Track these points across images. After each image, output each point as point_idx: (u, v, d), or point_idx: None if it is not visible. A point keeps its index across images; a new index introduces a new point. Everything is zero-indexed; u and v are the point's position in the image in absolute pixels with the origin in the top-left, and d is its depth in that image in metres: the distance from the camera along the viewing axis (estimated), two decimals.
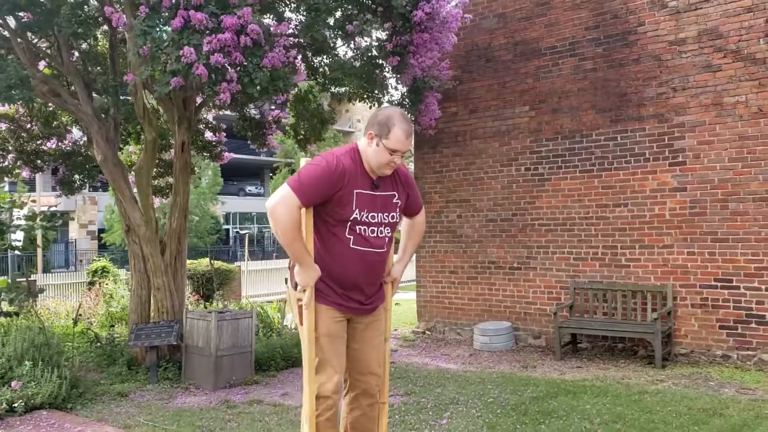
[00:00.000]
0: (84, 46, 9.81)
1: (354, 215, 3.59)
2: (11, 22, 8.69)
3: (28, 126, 11.92)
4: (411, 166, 12.43)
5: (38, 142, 12.13)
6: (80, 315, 11.52)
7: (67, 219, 37.54)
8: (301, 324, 3.62)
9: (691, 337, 8.97)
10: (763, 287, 8.43)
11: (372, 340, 3.83)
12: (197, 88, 6.56)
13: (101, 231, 41.40)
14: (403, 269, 4.02)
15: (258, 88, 6.52)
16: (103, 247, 40.69)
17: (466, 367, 9.08)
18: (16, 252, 17.17)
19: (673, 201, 9.10)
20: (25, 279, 9.90)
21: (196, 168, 13.76)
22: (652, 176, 9.26)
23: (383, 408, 3.92)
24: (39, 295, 12.75)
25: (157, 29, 6.29)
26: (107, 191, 31.70)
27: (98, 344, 9.26)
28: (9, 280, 9.02)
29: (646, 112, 9.31)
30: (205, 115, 12.58)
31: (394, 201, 3.75)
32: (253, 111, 11.84)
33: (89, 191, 35.76)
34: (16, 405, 6.60)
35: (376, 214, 3.67)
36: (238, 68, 6.43)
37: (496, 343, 10.06)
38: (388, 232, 3.74)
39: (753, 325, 8.51)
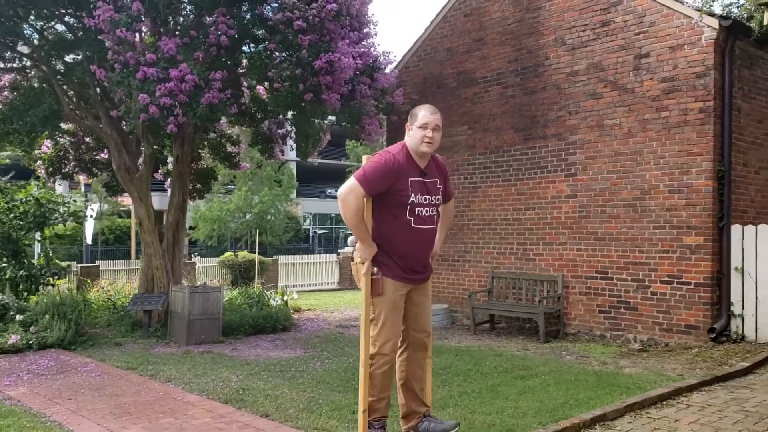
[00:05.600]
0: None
1: (411, 199, 4.25)
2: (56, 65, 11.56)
3: (87, 139, 14.88)
4: None
5: (93, 153, 15.06)
6: (102, 287, 14.39)
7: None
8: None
9: (578, 320, 10.77)
10: (630, 279, 10.16)
11: (424, 303, 4.49)
12: (156, 120, 9.07)
13: (191, 228, 45.25)
14: (441, 245, 4.74)
15: (200, 118, 8.99)
16: (192, 243, 44.38)
17: None
18: (88, 241, 20.62)
19: (567, 206, 10.92)
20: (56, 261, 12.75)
21: (219, 175, 16.34)
22: (552, 185, 11.11)
23: (430, 362, 4.65)
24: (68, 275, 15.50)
25: (127, 81, 8.85)
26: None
27: (114, 310, 12.02)
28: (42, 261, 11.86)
29: (549, 132, 11.17)
30: (228, 131, 15.22)
31: (437, 186, 4.43)
32: (264, 127, 14.36)
33: None
34: (32, 343, 9.37)
35: (427, 197, 4.33)
36: (184, 105, 8.91)
37: (434, 322, 11.94)
38: (434, 212, 4.41)
39: (622, 310, 10.25)
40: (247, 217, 37.33)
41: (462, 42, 12.56)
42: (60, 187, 39.27)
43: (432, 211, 4.39)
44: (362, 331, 4.37)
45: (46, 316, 9.95)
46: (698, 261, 9.43)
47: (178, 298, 10.86)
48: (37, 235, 12.79)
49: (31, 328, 9.58)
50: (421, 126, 4.25)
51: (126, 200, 30.43)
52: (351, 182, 4.20)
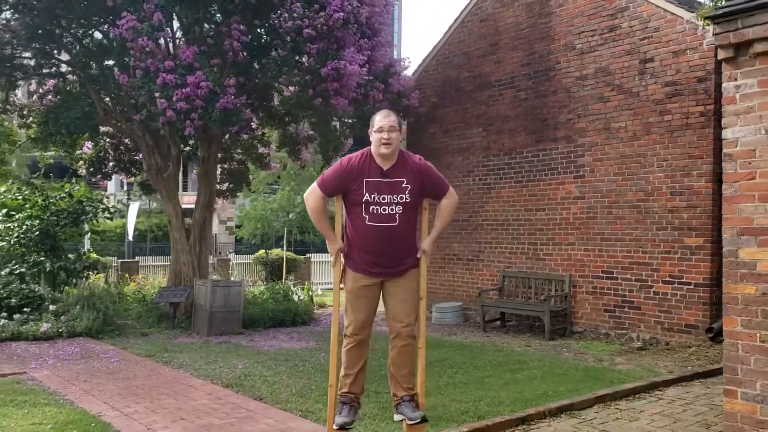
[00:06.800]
0: None
1: (366, 198, 4.44)
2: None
3: (125, 141, 15.66)
4: None
5: (132, 154, 15.84)
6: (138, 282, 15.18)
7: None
8: None
9: (585, 318, 11.01)
10: (633, 278, 10.37)
11: (399, 296, 4.64)
12: (173, 123, 9.66)
13: (237, 227, 46.37)
14: (431, 243, 4.77)
15: (216, 122, 9.56)
16: (238, 242, 45.42)
17: None
18: (129, 238, 21.56)
19: (575, 207, 11.17)
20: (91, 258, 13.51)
21: (252, 175, 16.95)
22: (562, 186, 11.37)
23: (420, 352, 4.71)
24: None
25: (147, 86, 9.48)
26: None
27: (144, 303, 12.73)
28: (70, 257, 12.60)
29: (559, 135, 11.43)
30: (260, 133, 15.81)
31: (403, 185, 4.52)
32: (290, 130, 14.93)
33: None
34: (62, 331, 10.09)
35: (385, 196, 4.46)
36: (200, 110, 9.48)
37: (447, 319, 12.52)
38: (399, 210, 4.49)
39: (626, 309, 10.47)
40: (290, 216, 38.11)
41: (478, 46, 12.90)
42: (111, 186, 40.79)
43: (393, 210, 4.50)
44: (334, 314, 4.81)
45: (77, 306, 10.68)
46: (698, 262, 9.60)
47: (201, 292, 11.48)
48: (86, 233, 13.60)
49: (62, 318, 10.30)
50: (377, 130, 4.50)
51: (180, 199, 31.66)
52: (312, 185, 4.57)
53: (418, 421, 4.59)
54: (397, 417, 4.76)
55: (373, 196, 4.48)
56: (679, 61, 9.84)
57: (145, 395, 6.84)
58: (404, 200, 4.52)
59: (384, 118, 4.57)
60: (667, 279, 9.93)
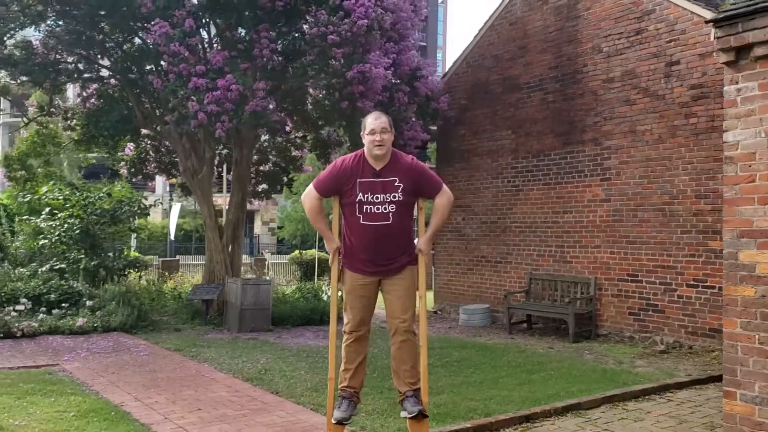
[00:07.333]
0: None
1: (359, 197, 4.57)
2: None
3: (166, 143, 16.12)
4: None
5: (173, 156, 16.29)
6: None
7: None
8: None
9: (610, 321, 11.00)
10: (658, 281, 10.33)
11: (395, 293, 4.74)
12: (204, 126, 9.98)
13: (278, 228, 46.99)
14: (427, 241, 4.86)
15: (245, 124, 9.86)
16: (280, 242, 46.03)
17: (435, 333, 11.72)
18: (171, 237, 22.13)
19: (601, 210, 11.16)
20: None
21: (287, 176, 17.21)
22: (588, 189, 11.38)
23: (422, 350, 4.80)
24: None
25: (180, 90, 9.82)
26: (281, 193, 36.95)
27: (179, 300, 13.12)
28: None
29: (586, 137, 11.44)
30: (294, 137, 16.11)
31: (396, 184, 4.62)
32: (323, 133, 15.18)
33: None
34: (97, 326, 10.50)
35: (378, 195, 4.58)
36: (230, 112, 9.79)
37: (474, 321, 12.61)
38: (392, 209, 4.61)
39: (650, 312, 10.43)
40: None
41: (507, 49, 12.96)
42: (159, 188, 41.79)
43: (387, 208, 4.62)
44: (332, 310, 4.90)
45: (113, 302, 11.08)
46: (722, 266, 9.49)
47: (232, 289, 11.79)
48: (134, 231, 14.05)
49: (98, 313, 10.72)
50: (369, 132, 4.59)
51: (219, 200, 32.42)
52: (309, 186, 4.75)
53: (415, 414, 4.68)
54: (403, 413, 4.86)
55: (366, 195, 4.60)
56: (705, 63, 9.78)
57: (168, 387, 7.13)
58: (397, 199, 4.63)
59: (375, 120, 4.67)
60: (692, 282, 9.88)
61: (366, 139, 4.69)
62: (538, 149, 12.29)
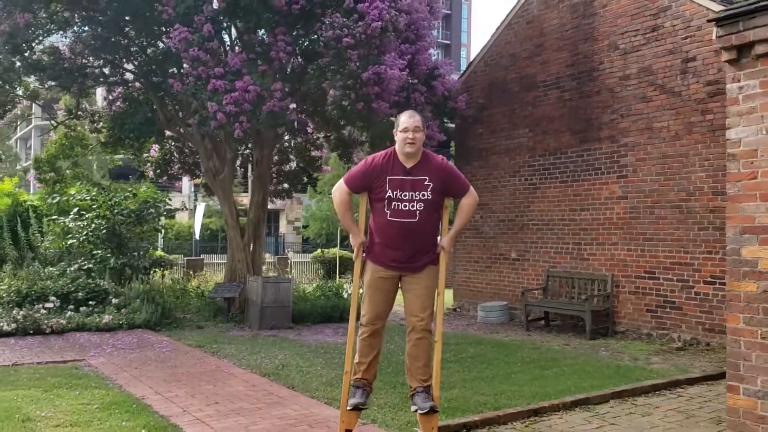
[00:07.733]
0: None
1: (388, 194, 4.68)
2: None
3: (190, 144, 16.42)
4: None
5: (196, 157, 16.58)
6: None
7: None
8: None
9: (627, 318, 11.03)
10: (675, 279, 10.35)
11: (415, 291, 4.85)
12: (224, 126, 10.21)
13: (304, 227, 47.31)
14: (450, 240, 4.97)
15: (263, 124, 10.06)
16: (305, 241, 46.31)
17: (453, 330, 11.84)
18: (196, 237, 22.51)
19: (618, 207, 11.20)
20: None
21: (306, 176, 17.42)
22: (605, 186, 11.41)
23: (437, 346, 4.90)
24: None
25: (199, 93, 10.06)
26: (306, 192, 37.23)
27: (203, 298, 13.39)
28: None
29: (603, 135, 11.48)
30: (315, 137, 16.32)
31: (425, 183, 4.73)
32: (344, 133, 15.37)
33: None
34: (122, 323, 10.79)
35: (407, 193, 4.68)
36: (248, 113, 10.00)
37: (491, 318, 12.70)
38: (420, 207, 4.70)
39: (667, 309, 10.45)
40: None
41: (524, 48, 13.03)
42: (185, 188, 42.37)
43: (415, 206, 4.71)
44: (352, 304, 5.04)
45: (137, 300, 11.36)
46: None
47: (252, 287, 12.02)
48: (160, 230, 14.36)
49: (123, 311, 11.00)
50: (402, 130, 4.70)
51: (244, 200, 32.83)
52: (339, 181, 4.89)
53: (427, 410, 4.80)
54: (413, 408, 4.99)
55: (395, 192, 4.71)
56: (721, 60, 9.72)
57: (188, 381, 7.34)
58: (426, 197, 4.73)
59: (409, 118, 4.78)
60: (709, 279, 9.88)
61: (398, 137, 4.78)
62: (555, 147, 12.35)
